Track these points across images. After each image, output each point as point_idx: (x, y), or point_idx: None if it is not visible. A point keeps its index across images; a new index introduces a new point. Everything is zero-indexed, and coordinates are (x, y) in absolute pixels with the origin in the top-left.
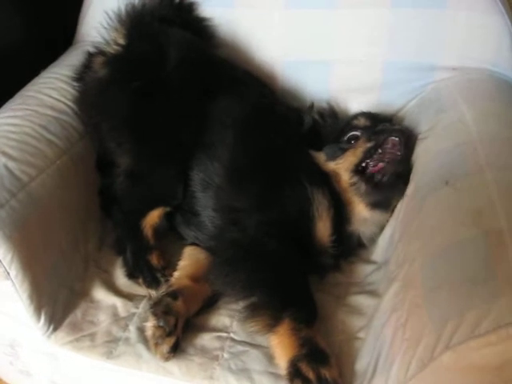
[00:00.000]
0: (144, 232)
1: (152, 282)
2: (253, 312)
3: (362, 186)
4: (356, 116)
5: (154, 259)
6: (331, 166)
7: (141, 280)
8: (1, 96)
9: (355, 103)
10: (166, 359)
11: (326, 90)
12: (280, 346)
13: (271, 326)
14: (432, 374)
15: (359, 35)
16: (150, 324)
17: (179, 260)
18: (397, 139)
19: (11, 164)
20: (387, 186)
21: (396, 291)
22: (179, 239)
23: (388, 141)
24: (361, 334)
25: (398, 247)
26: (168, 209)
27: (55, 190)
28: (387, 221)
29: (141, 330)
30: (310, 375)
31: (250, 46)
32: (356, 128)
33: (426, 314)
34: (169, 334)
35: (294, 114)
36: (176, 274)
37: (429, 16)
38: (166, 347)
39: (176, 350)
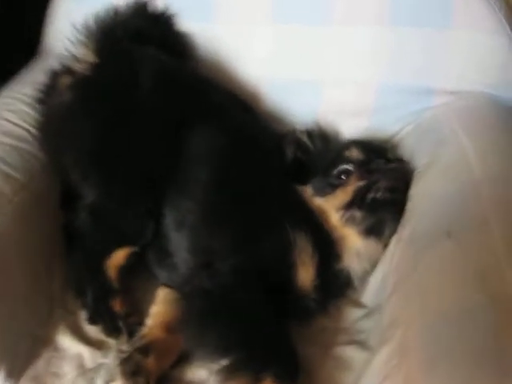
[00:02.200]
0: (107, 274)
1: (113, 330)
2: (230, 374)
3: (355, 216)
4: (348, 146)
5: (117, 305)
6: (319, 202)
7: (100, 327)
8: None
9: (345, 127)
10: None
11: (315, 112)
12: None
13: None
14: None
15: (353, 54)
16: None
17: (151, 303)
18: (390, 183)
19: None
20: (379, 211)
21: (390, 355)
22: (151, 277)
23: (381, 182)
24: None
25: (392, 300)
26: (135, 249)
27: (12, 231)
28: (379, 256)
29: None
30: None
31: (232, 64)
32: (348, 161)
33: None
34: None
35: (277, 143)
36: (148, 322)
37: (430, 35)
38: None
39: None
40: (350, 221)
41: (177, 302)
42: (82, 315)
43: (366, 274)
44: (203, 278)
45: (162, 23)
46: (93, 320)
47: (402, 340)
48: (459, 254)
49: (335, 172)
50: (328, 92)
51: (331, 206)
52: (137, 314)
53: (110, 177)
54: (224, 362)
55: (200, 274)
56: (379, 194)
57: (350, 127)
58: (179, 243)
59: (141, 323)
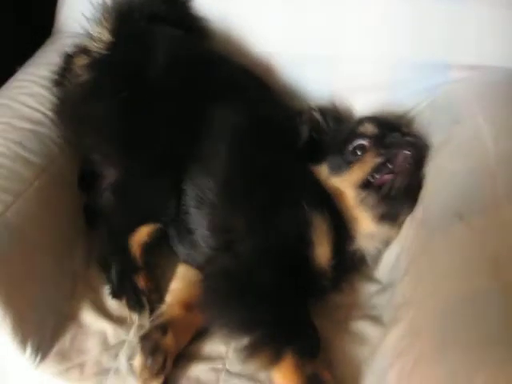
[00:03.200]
0: (131, 251)
1: (136, 305)
2: (252, 350)
3: (370, 198)
4: (362, 122)
5: (141, 281)
6: (335, 181)
7: (124, 302)
8: None
9: (360, 102)
10: None
11: (329, 88)
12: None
13: (273, 363)
14: None
15: (369, 29)
16: (137, 363)
17: (171, 280)
18: (408, 153)
19: None
20: (395, 199)
21: (402, 334)
22: (172, 254)
23: (399, 155)
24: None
25: (405, 280)
26: (158, 225)
27: (34, 214)
28: (393, 236)
29: (131, 360)
30: None
31: (246, 40)
32: (363, 136)
33: (433, 369)
34: (157, 374)
35: (292, 121)
36: (167, 299)
37: (447, 10)
38: None
39: None
40: (365, 203)
41: (197, 282)
42: (105, 291)
43: (380, 253)
44: (225, 258)
45: (178, 4)
46: (117, 295)
47: (414, 320)
48: (471, 238)
49: (350, 148)
50: (343, 67)
51: (347, 184)
52: (158, 291)
53: (131, 154)
54: (246, 340)
55: (222, 255)
56: (393, 192)
57: (365, 102)
58: (200, 220)
59: (162, 300)
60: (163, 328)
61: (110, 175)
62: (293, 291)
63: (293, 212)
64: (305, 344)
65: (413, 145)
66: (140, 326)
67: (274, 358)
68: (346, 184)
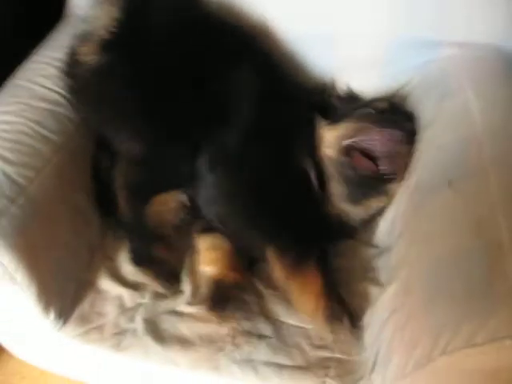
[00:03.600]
0: (152, 220)
1: (160, 274)
2: (276, 257)
3: (344, 172)
4: (377, 99)
5: (163, 251)
6: (322, 130)
7: (148, 271)
8: None
9: (357, 79)
10: None
11: (329, 64)
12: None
13: (297, 269)
14: (427, 373)
15: (363, 9)
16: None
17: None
18: (400, 136)
19: (9, 168)
20: (368, 184)
21: (396, 292)
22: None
23: (392, 133)
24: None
25: (399, 243)
26: (179, 196)
27: (54, 188)
28: (383, 206)
29: (147, 322)
30: None
31: (244, 15)
32: (372, 106)
33: (425, 320)
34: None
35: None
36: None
37: None
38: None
39: None
40: (338, 173)
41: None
42: (122, 259)
43: (369, 219)
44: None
45: None
46: (139, 264)
47: (407, 280)
48: (458, 203)
49: (355, 113)
50: (340, 45)
51: (333, 136)
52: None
53: (152, 125)
54: (270, 247)
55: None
56: (367, 176)
57: (362, 79)
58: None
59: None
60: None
61: (129, 148)
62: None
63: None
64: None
65: (409, 133)
66: (155, 293)
67: (298, 264)
68: (332, 134)
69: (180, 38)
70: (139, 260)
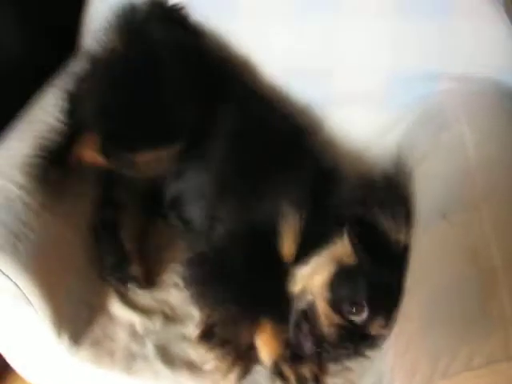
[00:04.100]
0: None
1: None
2: (235, 323)
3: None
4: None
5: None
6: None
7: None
8: (7, 109)
9: (357, 114)
10: None
11: (327, 97)
12: (263, 349)
13: (253, 332)
14: None
15: (361, 44)
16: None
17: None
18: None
19: (25, 196)
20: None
21: (397, 319)
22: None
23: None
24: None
25: None
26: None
27: (67, 214)
28: None
29: (158, 348)
30: (291, 376)
31: (241, 52)
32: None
33: (423, 347)
34: (233, 363)
35: (291, 127)
36: None
37: (434, 25)
38: (233, 377)
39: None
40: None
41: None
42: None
43: None
44: (201, 243)
45: (176, 11)
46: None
47: (406, 307)
48: (453, 234)
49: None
50: (339, 79)
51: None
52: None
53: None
54: (225, 314)
55: (199, 240)
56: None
57: (360, 113)
58: (195, 211)
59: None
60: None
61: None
62: (261, 268)
63: (270, 205)
64: (279, 313)
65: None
66: (166, 317)
67: (253, 328)
68: (301, 277)
69: (179, 68)
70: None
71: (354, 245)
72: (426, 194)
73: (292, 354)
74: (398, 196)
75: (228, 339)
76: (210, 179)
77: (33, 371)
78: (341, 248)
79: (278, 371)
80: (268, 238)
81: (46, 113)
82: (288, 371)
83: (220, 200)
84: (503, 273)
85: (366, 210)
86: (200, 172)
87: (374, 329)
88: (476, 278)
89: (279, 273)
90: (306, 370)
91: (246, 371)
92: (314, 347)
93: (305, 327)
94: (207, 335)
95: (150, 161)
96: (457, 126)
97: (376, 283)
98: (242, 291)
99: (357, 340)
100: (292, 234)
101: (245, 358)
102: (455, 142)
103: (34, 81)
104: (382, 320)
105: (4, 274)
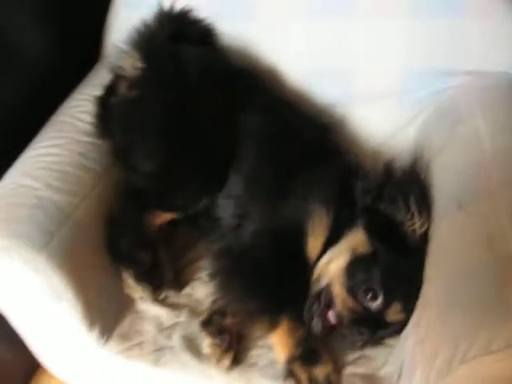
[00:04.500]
0: (148, 228)
1: (144, 277)
2: (251, 317)
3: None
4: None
5: (150, 257)
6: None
7: (132, 273)
8: (34, 116)
9: (375, 110)
10: (229, 372)
11: (348, 96)
12: (278, 346)
13: (270, 328)
14: (450, 382)
15: (377, 43)
16: (207, 343)
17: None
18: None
19: (56, 196)
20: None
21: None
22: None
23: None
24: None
25: None
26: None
27: (97, 213)
28: None
29: (184, 339)
30: (302, 377)
31: (262, 56)
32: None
33: (442, 332)
34: (227, 350)
35: (315, 126)
36: None
37: (446, 24)
38: (226, 362)
39: (236, 362)
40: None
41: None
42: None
43: None
44: (230, 237)
45: (201, 26)
46: (122, 264)
47: (425, 294)
48: (469, 223)
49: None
50: (357, 79)
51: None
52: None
53: (172, 155)
54: (245, 309)
55: (229, 235)
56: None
57: (379, 110)
58: (225, 210)
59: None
60: (222, 312)
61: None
62: (285, 267)
63: (298, 203)
64: (297, 313)
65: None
66: (191, 311)
67: (271, 325)
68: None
69: (201, 83)
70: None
71: (368, 234)
72: (443, 185)
73: (307, 355)
74: (416, 188)
75: (224, 329)
76: (239, 179)
77: (63, 368)
78: (356, 237)
79: (289, 371)
80: (295, 237)
81: (74, 118)
82: (300, 371)
83: (249, 199)
84: None
85: (380, 200)
86: (230, 173)
87: (391, 316)
88: (493, 265)
89: (303, 272)
90: (318, 372)
91: (238, 361)
92: (326, 329)
93: (317, 307)
94: (209, 322)
95: None
96: (472, 120)
97: (391, 271)
98: (265, 287)
99: (373, 327)
100: (319, 234)
101: (237, 348)
102: (471, 135)
103: (59, 88)
104: (398, 307)
105: (38, 270)
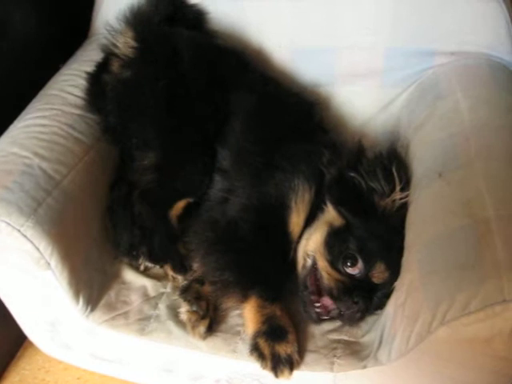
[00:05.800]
0: (171, 222)
1: (181, 268)
2: (224, 289)
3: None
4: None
5: (182, 247)
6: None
7: (170, 266)
8: (23, 91)
9: (360, 87)
10: (204, 338)
11: (332, 75)
12: (247, 320)
13: (240, 302)
14: (429, 345)
15: (362, 23)
16: (184, 309)
17: None
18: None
19: (44, 164)
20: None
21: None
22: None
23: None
24: None
25: None
26: (192, 200)
27: (85, 184)
28: None
29: (170, 308)
30: (266, 351)
31: (251, 36)
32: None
33: (422, 295)
34: (203, 317)
35: (301, 103)
36: None
37: (428, 4)
38: (202, 329)
39: (211, 330)
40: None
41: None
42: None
43: None
44: (215, 211)
45: (188, 7)
46: (159, 260)
47: (406, 259)
48: (448, 190)
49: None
50: (342, 57)
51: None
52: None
53: (171, 137)
54: (220, 281)
55: (214, 208)
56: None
57: (363, 87)
58: (213, 184)
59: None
60: (201, 280)
61: (149, 157)
62: (263, 245)
63: (283, 178)
64: (268, 289)
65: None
66: (175, 281)
67: (241, 298)
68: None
69: (194, 63)
70: (163, 257)
71: (337, 208)
72: (422, 157)
73: (273, 331)
74: (395, 161)
75: (201, 296)
76: (227, 154)
77: (48, 343)
78: (329, 213)
79: (254, 345)
80: (279, 213)
81: (63, 91)
82: (264, 345)
83: (236, 174)
84: (496, 222)
85: (350, 171)
86: (217, 147)
87: (377, 276)
88: (471, 228)
89: (284, 249)
90: (282, 349)
91: (212, 329)
92: (322, 314)
93: (307, 294)
94: (188, 289)
95: None
96: (452, 95)
97: (365, 236)
98: (243, 262)
99: (364, 292)
100: (302, 210)
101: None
102: (450, 109)
103: (48, 63)
104: (381, 266)
105: (25, 236)
